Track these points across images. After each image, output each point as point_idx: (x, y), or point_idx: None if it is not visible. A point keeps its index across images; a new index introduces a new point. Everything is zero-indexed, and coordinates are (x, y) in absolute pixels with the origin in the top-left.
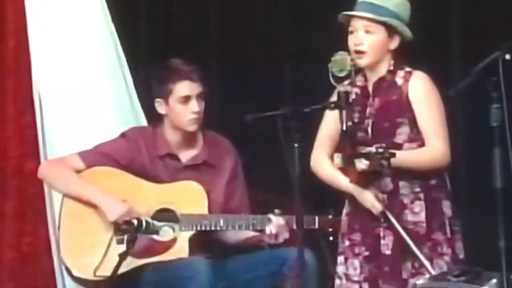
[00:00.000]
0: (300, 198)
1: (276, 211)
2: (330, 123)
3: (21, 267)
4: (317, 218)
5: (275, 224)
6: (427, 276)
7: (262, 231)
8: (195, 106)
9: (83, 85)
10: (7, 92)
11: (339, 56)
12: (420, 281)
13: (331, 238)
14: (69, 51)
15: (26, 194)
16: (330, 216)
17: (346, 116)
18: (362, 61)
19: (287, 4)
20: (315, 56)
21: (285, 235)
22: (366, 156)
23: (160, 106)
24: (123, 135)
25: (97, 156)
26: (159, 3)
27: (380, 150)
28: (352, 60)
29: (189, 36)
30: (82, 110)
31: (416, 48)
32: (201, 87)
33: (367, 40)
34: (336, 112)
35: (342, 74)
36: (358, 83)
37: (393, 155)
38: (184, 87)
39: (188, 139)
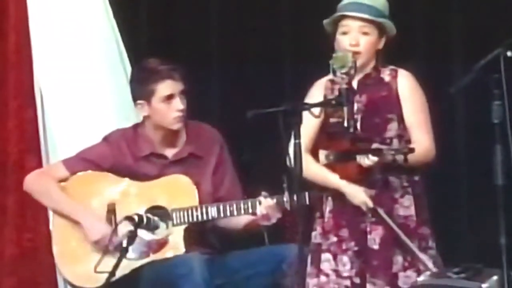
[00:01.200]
0: (301, 194)
1: (263, 193)
2: (309, 122)
3: (21, 263)
4: (307, 193)
5: (264, 205)
6: (428, 272)
7: (254, 214)
8: (178, 104)
9: (84, 81)
10: (8, 87)
11: (341, 52)
12: (420, 277)
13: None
14: (70, 47)
15: None
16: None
17: (347, 113)
18: (357, 62)
19: (287, 1)
20: (316, 52)
21: (277, 215)
22: (375, 152)
23: (141, 108)
24: (105, 139)
25: (81, 163)
26: (161, 0)
27: (396, 146)
28: (353, 56)
29: (190, 32)
30: (83, 105)
31: (418, 45)
32: (183, 85)
33: (362, 41)
34: (317, 109)
35: (343, 71)
36: (340, 80)
37: (412, 150)
38: (166, 87)
39: (172, 136)
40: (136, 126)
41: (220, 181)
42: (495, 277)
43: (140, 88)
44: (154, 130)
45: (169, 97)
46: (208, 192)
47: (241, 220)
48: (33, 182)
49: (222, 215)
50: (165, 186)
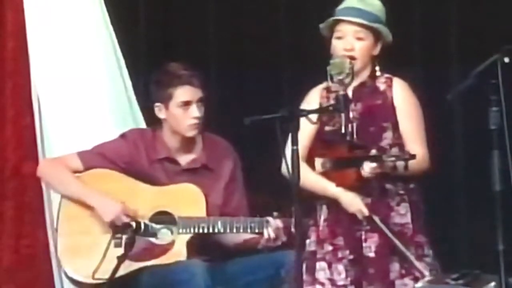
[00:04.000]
0: (299, 200)
1: (275, 213)
2: (303, 130)
3: (19, 270)
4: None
5: (274, 227)
6: (426, 279)
7: (260, 233)
8: (195, 111)
9: (82, 88)
10: (6, 94)
11: (338, 59)
12: (418, 284)
13: None
14: (68, 53)
15: (25, 196)
16: None
17: (345, 119)
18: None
19: (285, 7)
20: (314, 58)
21: (283, 238)
22: (375, 159)
23: (159, 111)
24: (122, 136)
25: (96, 157)
26: (158, 6)
27: (396, 152)
28: (350, 63)
29: (188, 38)
30: (81, 112)
31: (415, 51)
32: (201, 92)
33: (357, 46)
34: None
35: (340, 77)
36: (335, 88)
37: (414, 156)
38: (184, 92)
39: (187, 143)
40: (154, 129)
41: (230, 198)
42: (492, 283)
43: (159, 91)
44: (170, 134)
45: (186, 103)
46: (216, 205)
47: (242, 236)
48: (46, 167)
49: (228, 230)
50: (175, 193)
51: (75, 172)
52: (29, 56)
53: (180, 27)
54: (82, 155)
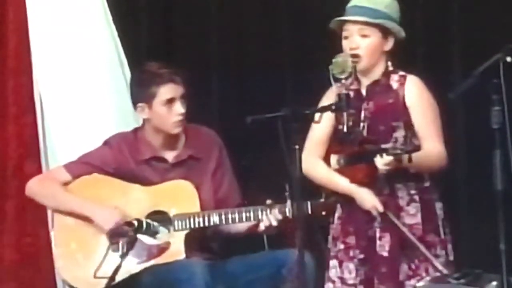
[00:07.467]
0: (301, 199)
1: (268, 201)
2: (321, 127)
3: (21, 268)
4: (309, 203)
5: (269, 215)
6: (428, 278)
7: (257, 222)
8: (179, 108)
9: (84, 86)
10: (8, 93)
11: (340, 58)
12: (420, 283)
13: (323, 213)
14: (70, 52)
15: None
16: (322, 200)
17: (347, 118)
18: (360, 65)
19: (287, 6)
20: (316, 57)
21: (279, 224)
22: (382, 152)
23: (142, 111)
24: (106, 142)
25: (83, 167)
26: (160, 4)
27: (400, 145)
28: (353, 62)
29: (190, 37)
30: (82, 110)
31: (417, 51)
32: (183, 88)
33: (363, 44)
34: (329, 115)
35: (343, 76)
36: (351, 86)
37: (418, 148)
38: (168, 90)
39: (172, 139)
40: (136, 130)
41: (219, 184)
42: (494, 283)
43: (141, 90)
44: (154, 133)
45: (170, 101)
46: (208, 195)
47: (244, 225)
48: (36, 186)
49: (224, 222)
50: (167, 191)
51: (64, 184)
52: (31, 54)
53: (182, 26)
54: (68, 166)
